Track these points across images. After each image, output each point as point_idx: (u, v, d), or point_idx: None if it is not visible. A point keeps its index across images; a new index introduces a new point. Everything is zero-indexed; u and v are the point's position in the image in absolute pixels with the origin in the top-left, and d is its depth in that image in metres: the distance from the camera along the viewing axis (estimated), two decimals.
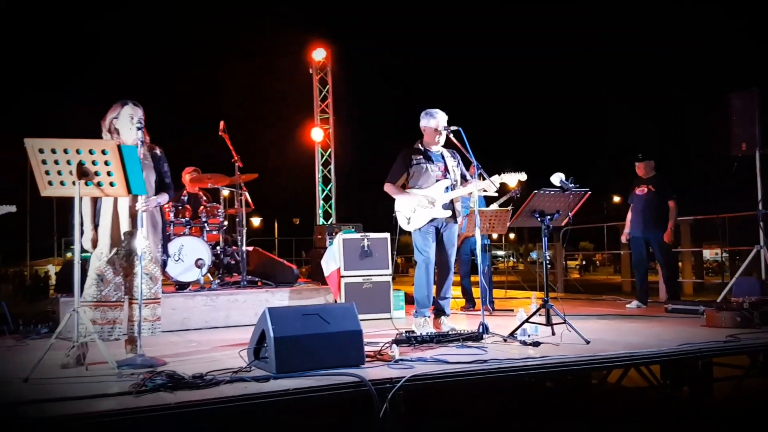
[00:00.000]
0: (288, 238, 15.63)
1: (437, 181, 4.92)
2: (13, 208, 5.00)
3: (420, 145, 5.04)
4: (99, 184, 3.36)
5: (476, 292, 6.77)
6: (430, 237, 4.91)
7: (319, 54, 10.87)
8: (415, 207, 4.87)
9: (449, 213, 4.90)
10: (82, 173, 3.28)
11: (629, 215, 6.85)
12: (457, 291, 7.19)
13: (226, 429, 2.98)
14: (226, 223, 6.95)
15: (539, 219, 4.50)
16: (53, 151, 3.24)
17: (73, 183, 3.30)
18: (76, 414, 2.57)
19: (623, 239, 6.98)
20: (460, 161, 5.09)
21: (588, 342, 3.99)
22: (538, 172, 4.94)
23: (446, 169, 4.98)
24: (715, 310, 4.76)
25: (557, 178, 4.40)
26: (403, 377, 3.05)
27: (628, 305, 6.74)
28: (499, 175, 4.77)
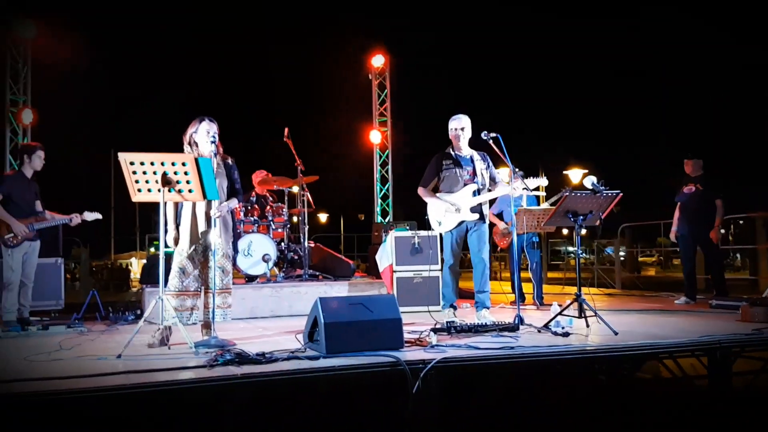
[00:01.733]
0: (351, 234, 16.21)
1: (465, 185, 5.28)
2: (99, 216, 5.78)
3: (451, 150, 5.41)
4: (180, 191, 3.97)
5: (527, 287, 7.07)
6: (457, 239, 5.29)
7: (377, 60, 11.34)
8: (444, 211, 5.26)
9: (477, 216, 5.25)
10: (166, 182, 3.89)
11: (677, 213, 6.97)
12: (508, 286, 7.52)
13: (286, 404, 3.49)
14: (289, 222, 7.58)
15: (572, 219, 4.79)
16: (142, 164, 3.86)
17: (159, 190, 3.92)
18: (159, 382, 3.15)
19: (671, 237, 7.11)
20: (491, 164, 5.42)
21: (616, 333, 4.28)
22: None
23: (474, 173, 5.32)
24: (749, 305, 4.91)
25: (589, 181, 4.70)
26: (434, 359, 3.46)
27: (676, 301, 6.90)
28: (522, 180, 5.10)
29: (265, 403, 3.41)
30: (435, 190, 5.42)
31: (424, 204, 5.48)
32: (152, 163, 3.87)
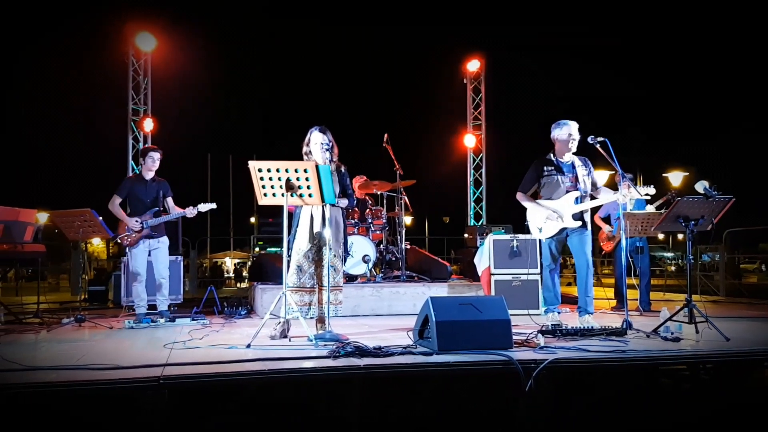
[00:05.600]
0: (439, 237, 16.36)
1: (567, 192, 5.19)
2: (214, 206, 6.15)
3: (552, 156, 5.33)
4: (301, 195, 4.28)
5: (632, 293, 6.95)
6: (557, 245, 5.25)
7: (473, 65, 11.46)
8: (546, 218, 5.20)
9: (579, 223, 5.16)
10: (289, 187, 4.21)
11: None
12: (610, 292, 7.42)
13: (401, 396, 3.69)
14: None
15: (683, 224, 4.71)
16: (268, 170, 4.21)
17: (282, 194, 4.24)
18: (288, 369, 3.44)
19: None
20: (592, 169, 5.31)
21: (728, 339, 4.21)
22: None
23: (576, 180, 5.22)
24: None
25: (701, 186, 4.61)
26: (546, 360, 3.56)
27: None
28: (629, 189, 5.03)
29: (381, 394, 3.63)
30: (534, 196, 5.36)
31: (519, 208, 5.44)
32: (277, 170, 4.21)
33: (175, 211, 6.09)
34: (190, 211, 6.05)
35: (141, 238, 5.94)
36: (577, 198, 5.20)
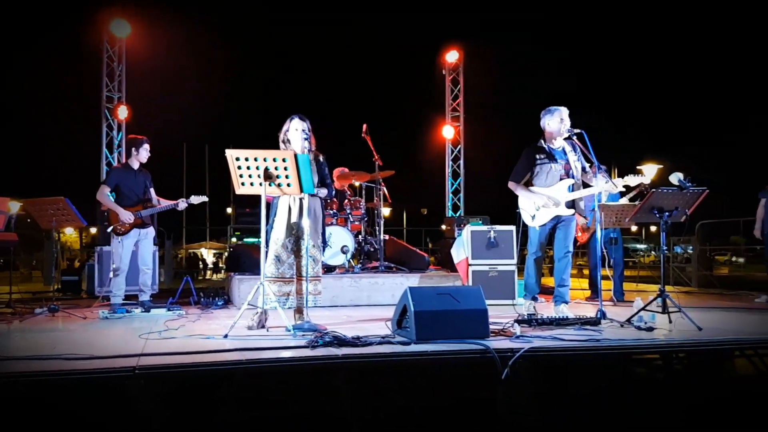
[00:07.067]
0: (417, 228, 16.40)
1: (561, 179, 5.19)
2: (205, 198, 6.08)
3: (543, 143, 5.29)
4: (279, 185, 4.25)
5: (606, 284, 7.05)
6: (546, 233, 5.26)
7: (451, 56, 11.46)
8: (539, 206, 5.20)
9: (572, 211, 5.18)
10: (267, 176, 4.17)
11: (760, 210, 6.81)
12: (584, 282, 7.52)
13: (379, 386, 3.70)
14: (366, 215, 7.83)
15: (658, 215, 4.78)
16: (246, 159, 4.16)
17: (260, 184, 4.21)
18: (266, 358, 3.42)
19: (756, 234, 6.95)
20: (581, 154, 5.29)
21: (700, 329, 4.29)
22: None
23: (569, 166, 5.21)
24: None
25: (675, 178, 4.68)
26: (522, 348, 3.59)
27: (756, 299, 6.76)
28: (622, 178, 5.08)
29: (359, 384, 3.63)
30: (527, 184, 5.33)
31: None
32: (255, 159, 4.17)
33: (160, 201, 6.06)
34: (182, 204, 6.02)
35: (134, 227, 5.89)
36: (570, 186, 5.21)
